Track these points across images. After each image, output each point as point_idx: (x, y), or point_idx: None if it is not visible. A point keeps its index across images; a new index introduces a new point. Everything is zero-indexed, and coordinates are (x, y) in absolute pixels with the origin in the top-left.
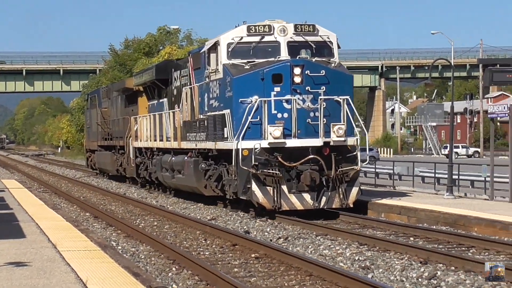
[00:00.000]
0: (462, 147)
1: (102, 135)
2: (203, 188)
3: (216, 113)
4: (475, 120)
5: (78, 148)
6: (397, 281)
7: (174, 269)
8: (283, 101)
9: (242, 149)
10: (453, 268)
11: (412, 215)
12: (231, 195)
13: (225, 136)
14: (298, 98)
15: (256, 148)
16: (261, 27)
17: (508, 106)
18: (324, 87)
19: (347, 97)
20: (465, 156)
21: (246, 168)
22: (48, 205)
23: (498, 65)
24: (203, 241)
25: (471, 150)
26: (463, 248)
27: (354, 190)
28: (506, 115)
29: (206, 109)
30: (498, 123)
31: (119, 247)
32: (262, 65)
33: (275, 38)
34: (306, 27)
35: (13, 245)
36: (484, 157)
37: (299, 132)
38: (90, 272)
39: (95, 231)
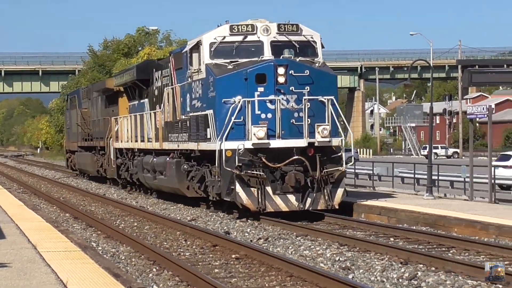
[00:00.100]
0: (442, 147)
1: (82, 136)
2: (186, 189)
3: (199, 113)
4: (454, 121)
5: (57, 149)
6: (377, 282)
7: (154, 270)
8: (267, 101)
9: (226, 150)
10: (433, 268)
11: (392, 215)
12: (214, 197)
13: (208, 136)
14: (282, 98)
15: (240, 149)
16: (244, 27)
17: (487, 107)
18: (308, 87)
19: (332, 97)
20: (444, 157)
21: (229, 169)
22: (27, 206)
23: (477, 66)
24: (184, 242)
25: (450, 150)
26: (443, 249)
27: (340, 191)
28: (485, 116)
29: (188, 109)
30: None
31: (99, 248)
32: (245, 65)
33: (258, 37)
34: (290, 26)
35: None
36: (463, 157)
37: (283, 133)
38: (70, 273)
39: (75, 232)
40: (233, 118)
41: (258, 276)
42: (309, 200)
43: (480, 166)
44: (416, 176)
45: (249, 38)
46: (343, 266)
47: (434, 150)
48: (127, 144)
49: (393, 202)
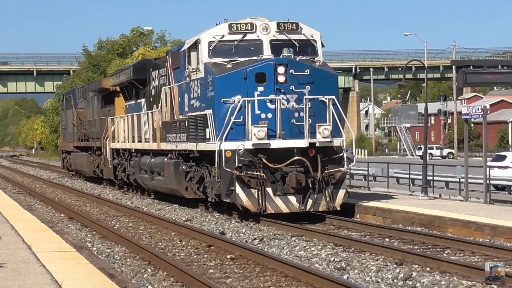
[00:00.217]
0: (437, 148)
1: (78, 136)
2: (184, 190)
3: (198, 113)
4: (449, 121)
5: (52, 149)
6: (372, 282)
7: (149, 270)
8: (267, 101)
9: (225, 150)
10: (428, 269)
11: (387, 216)
12: (213, 198)
13: (207, 137)
14: (282, 98)
15: (240, 149)
16: (243, 25)
17: (482, 107)
18: (308, 86)
19: (333, 97)
20: (439, 157)
21: (229, 170)
22: (22, 206)
23: (471, 67)
24: (179, 242)
25: (446, 151)
26: (438, 249)
27: (341, 193)
28: (480, 116)
29: (186, 109)
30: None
31: (94, 248)
32: (244, 64)
33: (258, 36)
34: (289, 25)
35: None
36: (458, 158)
37: (283, 133)
38: (65, 274)
39: (70, 232)
40: (232, 118)
41: (253, 277)
42: (310, 202)
43: (475, 167)
44: (411, 176)
45: (248, 36)
46: (338, 266)
47: (429, 151)
48: (124, 145)
49: (388, 203)
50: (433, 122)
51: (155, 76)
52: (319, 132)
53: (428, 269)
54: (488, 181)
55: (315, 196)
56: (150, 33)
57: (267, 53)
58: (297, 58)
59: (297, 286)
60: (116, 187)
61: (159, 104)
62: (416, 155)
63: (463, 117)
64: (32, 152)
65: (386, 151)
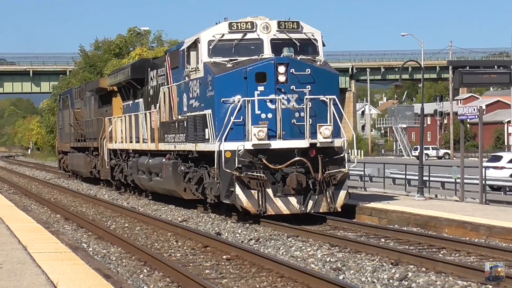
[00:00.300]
0: (433, 148)
1: (75, 137)
2: (182, 191)
3: (197, 113)
4: (445, 121)
5: (48, 150)
6: (368, 282)
7: (145, 270)
8: (267, 100)
9: (225, 151)
10: (424, 269)
11: (383, 216)
12: (213, 199)
13: (206, 137)
14: (283, 98)
15: (240, 150)
16: (243, 24)
17: (478, 108)
18: (309, 86)
19: (334, 96)
20: (435, 158)
21: (229, 171)
22: (18, 206)
23: (467, 67)
24: (175, 243)
25: (442, 151)
26: (434, 249)
27: (342, 194)
28: (476, 116)
29: (185, 109)
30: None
31: (90, 249)
32: (245, 63)
33: (258, 35)
34: (290, 24)
35: None
36: (454, 158)
37: (284, 133)
38: (61, 274)
39: (66, 232)
40: (232, 118)
41: (249, 277)
42: (311, 203)
43: (471, 167)
44: (407, 177)
45: (249, 36)
46: (334, 267)
47: (425, 151)
48: (121, 145)
49: (384, 203)
50: (429, 122)
51: (154, 76)
52: (320, 133)
53: (423, 269)
54: (484, 182)
55: (316, 197)
56: (147, 33)
57: (267, 52)
58: (298, 58)
59: (293, 287)
60: (113, 188)
61: (157, 104)
62: (412, 156)
63: (459, 117)
64: (28, 153)
65: (382, 152)
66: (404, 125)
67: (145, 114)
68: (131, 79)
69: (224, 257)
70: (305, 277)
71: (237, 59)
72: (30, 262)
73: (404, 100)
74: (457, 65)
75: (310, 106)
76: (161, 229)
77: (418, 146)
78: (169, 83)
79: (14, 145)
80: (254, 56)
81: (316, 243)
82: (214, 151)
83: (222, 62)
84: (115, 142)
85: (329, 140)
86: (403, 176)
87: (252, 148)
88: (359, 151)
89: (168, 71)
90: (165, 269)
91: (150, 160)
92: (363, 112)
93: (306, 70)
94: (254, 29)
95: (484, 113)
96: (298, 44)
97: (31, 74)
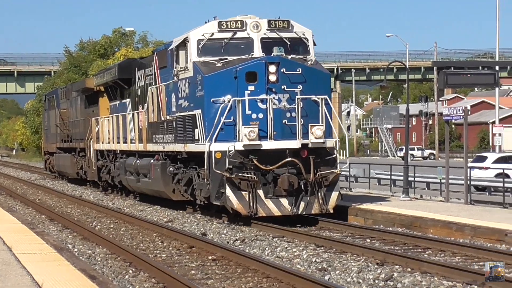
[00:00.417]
0: (418, 149)
1: (61, 137)
2: (171, 192)
3: (186, 113)
4: (430, 122)
5: (33, 150)
6: (354, 283)
7: (131, 271)
8: (258, 100)
9: (215, 152)
10: (409, 269)
11: (369, 217)
12: (202, 200)
13: (196, 137)
14: (274, 98)
15: (230, 151)
16: (233, 23)
17: (463, 108)
18: (301, 86)
19: (326, 96)
20: (420, 158)
21: (219, 172)
22: (3, 207)
23: (452, 68)
24: (160, 244)
25: (427, 152)
26: (419, 250)
27: (334, 195)
28: (461, 117)
29: (174, 109)
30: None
31: (75, 250)
32: (235, 62)
33: (248, 34)
34: (281, 23)
35: None
36: (439, 159)
37: (275, 134)
38: (46, 275)
39: (51, 233)
40: (222, 118)
41: (235, 278)
42: (302, 204)
43: (456, 168)
44: (392, 177)
45: (239, 34)
46: (320, 267)
47: (410, 152)
48: (108, 146)
49: (369, 204)
50: (414, 123)
51: (141, 76)
52: (312, 133)
53: (409, 269)
54: (469, 182)
55: (308, 198)
56: (132, 34)
57: (257, 51)
58: (289, 57)
59: (278, 287)
60: (99, 189)
61: (145, 104)
62: (398, 156)
63: (444, 118)
64: (12, 153)
65: (368, 152)
66: (389, 126)
67: (133, 114)
68: (118, 79)
69: (210, 257)
70: (290, 277)
71: (227, 59)
72: (15, 263)
73: (389, 100)
74: (442, 66)
75: (301, 106)
76: (147, 229)
77: (403, 147)
78: (157, 83)
79: None
80: (244, 55)
81: (302, 244)
82: (204, 152)
83: (211, 61)
84: (102, 143)
85: (321, 140)
86: (389, 177)
87: (243, 148)
88: (344, 151)
89: (156, 71)
90: (151, 269)
91: (138, 161)
92: (348, 113)
93: (297, 70)
94: (244, 28)
95: (469, 113)
96: (289, 43)
97: (15, 74)
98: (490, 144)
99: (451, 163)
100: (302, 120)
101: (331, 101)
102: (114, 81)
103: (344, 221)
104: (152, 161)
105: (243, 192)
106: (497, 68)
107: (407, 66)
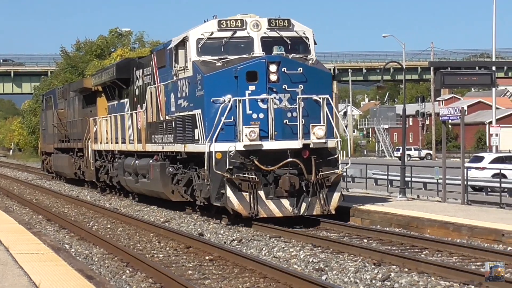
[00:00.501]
0: (415, 149)
1: (58, 137)
2: (170, 193)
3: (186, 113)
4: (427, 122)
5: (30, 151)
6: (351, 283)
7: (128, 271)
8: (259, 100)
9: (216, 152)
10: (406, 269)
11: (366, 217)
12: (202, 201)
13: (196, 138)
14: (275, 97)
15: (231, 151)
16: (232, 22)
17: (459, 108)
18: (302, 85)
19: (327, 96)
20: (417, 158)
21: (220, 173)
22: (0, 208)
23: (449, 68)
24: (157, 244)
25: (424, 152)
26: (416, 250)
27: (336, 196)
28: (458, 117)
29: (173, 109)
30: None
31: (72, 250)
32: (235, 62)
33: (248, 33)
34: (281, 21)
35: None
36: (436, 159)
37: (276, 134)
38: (43, 275)
39: (48, 234)
40: (223, 118)
41: (232, 278)
42: (304, 205)
43: (453, 168)
44: (389, 177)
45: (238, 34)
46: (317, 267)
47: (407, 152)
48: (106, 146)
49: (366, 204)
50: (411, 123)
51: (139, 76)
52: (313, 133)
53: (406, 269)
54: (465, 182)
55: (309, 199)
56: (128, 34)
57: (258, 50)
58: (290, 56)
59: (275, 287)
60: (97, 189)
61: (144, 104)
62: (394, 156)
63: (441, 118)
64: (9, 154)
65: (365, 152)
66: (386, 126)
67: (131, 114)
68: (116, 78)
69: (207, 257)
70: (287, 277)
71: (227, 58)
72: (12, 263)
73: (386, 101)
74: (438, 66)
75: (302, 105)
76: (144, 230)
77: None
78: (156, 82)
79: None
80: (244, 54)
81: (299, 244)
82: (204, 152)
83: (211, 60)
84: (100, 143)
85: (323, 140)
86: (385, 177)
87: (244, 149)
88: (341, 152)
89: (154, 71)
90: (148, 269)
91: (136, 161)
92: (345, 113)
93: (298, 69)
94: (244, 27)
95: (466, 114)
96: (289, 42)
97: (12, 75)
98: (487, 144)
99: (448, 163)
100: (303, 120)
101: (333, 101)
102: (112, 81)
103: (347, 221)
104: (151, 161)
105: (243, 193)
106: (493, 68)
107: (404, 67)
